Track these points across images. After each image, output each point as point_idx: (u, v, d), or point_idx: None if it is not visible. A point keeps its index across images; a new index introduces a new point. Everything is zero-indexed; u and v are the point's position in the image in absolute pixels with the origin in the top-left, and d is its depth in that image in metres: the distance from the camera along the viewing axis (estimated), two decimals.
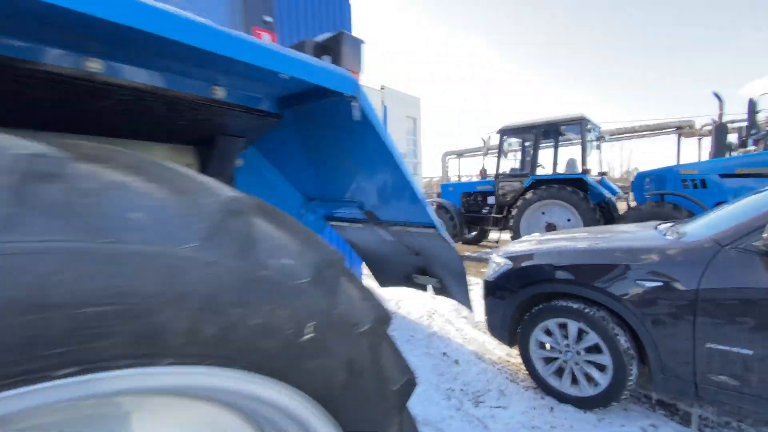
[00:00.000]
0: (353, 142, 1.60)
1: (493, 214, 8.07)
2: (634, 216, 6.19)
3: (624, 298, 2.11)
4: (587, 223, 6.53)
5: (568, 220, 6.86)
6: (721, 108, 6.52)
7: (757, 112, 5.35)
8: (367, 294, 0.78)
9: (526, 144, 8.65)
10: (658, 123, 27.16)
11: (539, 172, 7.66)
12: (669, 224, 2.91)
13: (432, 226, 1.92)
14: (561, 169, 8.16)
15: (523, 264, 2.70)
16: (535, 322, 2.57)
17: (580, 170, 6.99)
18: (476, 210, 8.78)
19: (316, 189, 2.27)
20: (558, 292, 2.48)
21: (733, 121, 14.53)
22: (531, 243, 3.02)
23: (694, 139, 27.26)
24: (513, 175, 7.98)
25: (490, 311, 2.89)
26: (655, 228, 2.81)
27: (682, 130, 26.53)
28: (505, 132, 7.87)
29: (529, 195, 7.17)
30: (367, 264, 3.06)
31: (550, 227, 7.01)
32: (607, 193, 6.69)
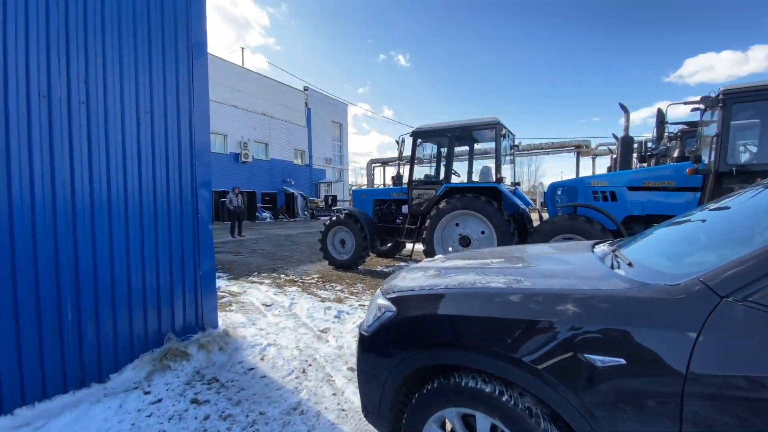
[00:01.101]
0: None
1: (406, 225, 7.28)
2: (547, 229, 5.82)
3: (562, 383, 1.25)
4: (501, 235, 6.02)
5: (482, 232, 6.31)
6: (627, 119, 6.53)
7: (667, 123, 5.21)
8: None
9: (441, 149, 8.08)
10: (561, 141, 29.74)
11: (454, 180, 7.06)
12: (606, 245, 2.19)
13: None
14: (476, 177, 7.72)
15: (412, 312, 1.74)
16: (427, 408, 1.59)
17: (494, 179, 6.50)
18: (390, 219, 7.97)
19: None
20: (462, 365, 1.56)
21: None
22: (427, 274, 2.09)
23: (595, 157, 30.26)
24: (427, 182, 7.31)
25: (364, 382, 1.88)
26: (592, 250, 2.07)
27: (580, 149, 29.38)
28: (419, 134, 7.18)
29: (442, 204, 6.51)
30: None
31: (464, 240, 6.40)
32: (521, 204, 6.27)
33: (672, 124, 6.93)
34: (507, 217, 6.08)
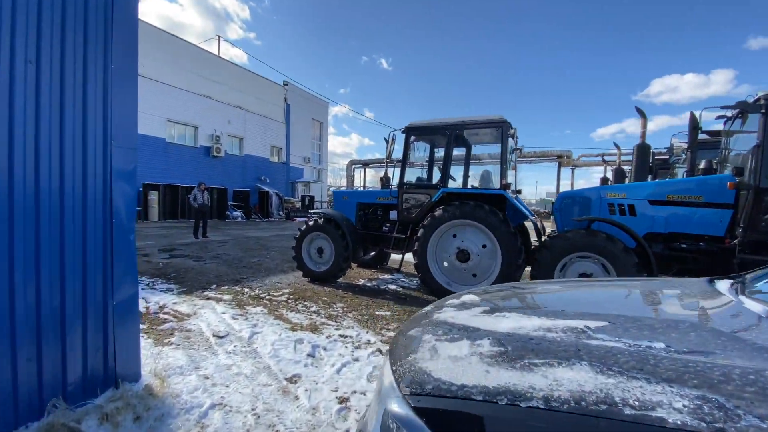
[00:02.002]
0: None
1: (395, 233, 6.34)
2: (560, 246, 5.03)
3: None
4: (507, 251, 5.19)
5: (484, 246, 5.45)
6: (644, 125, 5.86)
7: (700, 129, 4.52)
8: None
9: (435, 149, 7.20)
10: (543, 151, 29.73)
11: (451, 185, 6.19)
12: (734, 283, 1.34)
13: None
14: (474, 183, 6.88)
15: None
16: None
17: (498, 185, 5.66)
18: (375, 226, 7.01)
19: None
20: None
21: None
22: (482, 348, 1.16)
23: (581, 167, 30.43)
24: (420, 185, 6.39)
25: None
26: (730, 297, 1.21)
27: (561, 159, 29.46)
28: (413, 131, 6.27)
29: (438, 212, 5.61)
30: None
31: (463, 255, 5.52)
32: (530, 216, 5.45)
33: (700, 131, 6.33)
34: (514, 230, 5.25)
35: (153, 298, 5.09)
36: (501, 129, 5.60)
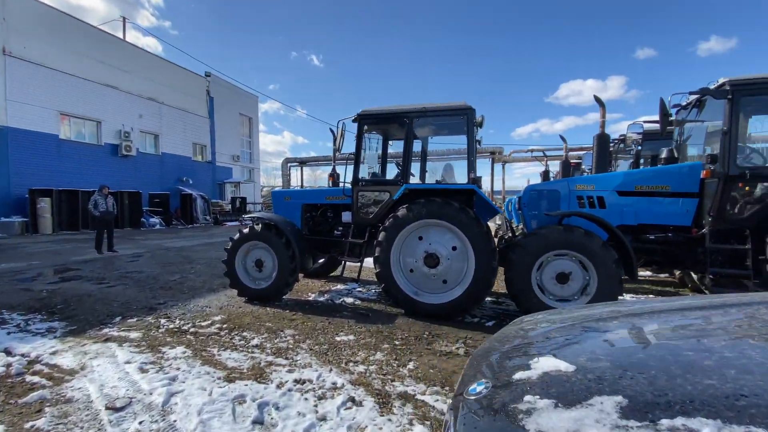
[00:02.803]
0: None
1: (349, 238, 5.46)
2: (536, 244, 4.56)
3: None
4: (479, 253, 4.60)
5: (454, 248, 4.81)
6: (603, 115, 5.67)
7: (669, 115, 4.29)
8: None
9: (389, 140, 6.45)
10: (478, 147, 30.70)
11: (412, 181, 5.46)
12: None
13: None
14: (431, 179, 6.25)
15: None
16: None
17: (466, 179, 5.07)
18: (326, 230, 6.07)
19: None
20: None
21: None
22: None
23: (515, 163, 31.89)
24: (379, 182, 5.58)
25: None
26: None
27: (494, 155, 30.73)
28: (367, 119, 5.42)
29: (401, 212, 4.85)
30: None
31: (432, 260, 4.83)
32: (502, 213, 4.91)
33: (647, 122, 6.36)
34: (486, 230, 4.67)
35: (21, 348, 3.65)
36: (466, 117, 4.98)
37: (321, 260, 6.98)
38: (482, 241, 4.59)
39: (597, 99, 5.72)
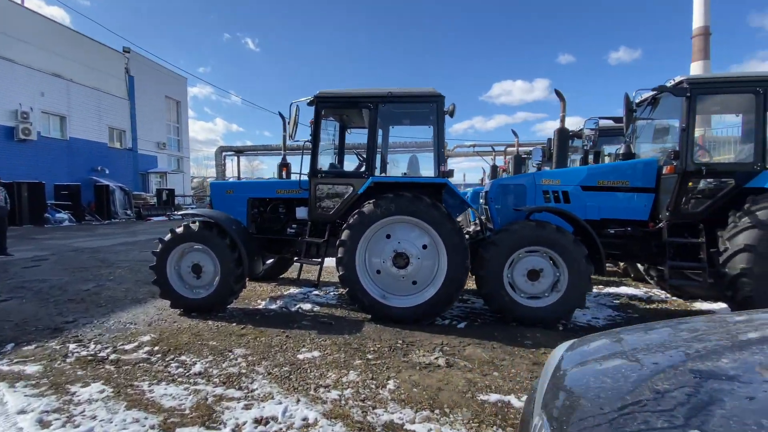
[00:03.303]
0: None
1: (306, 237, 4.86)
2: (509, 240, 4.36)
3: None
4: (453, 251, 4.29)
5: (424, 246, 4.45)
6: (563, 109, 5.65)
7: (634, 111, 4.29)
8: None
9: (348, 128, 5.90)
10: (422, 141, 31.04)
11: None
12: None
13: None
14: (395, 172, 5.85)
15: None
16: None
17: (432, 172, 4.71)
18: (276, 228, 5.38)
19: None
20: None
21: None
22: None
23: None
24: (341, 174, 5.02)
25: None
26: None
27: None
28: (325, 102, 4.83)
29: (368, 207, 4.37)
30: None
31: (401, 259, 4.42)
32: (475, 210, 4.64)
33: (602, 118, 6.49)
34: (459, 227, 4.37)
35: None
36: (436, 104, 4.61)
37: (270, 260, 6.26)
38: (455, 239, 4.27)
39: (558, 93, 5.70)
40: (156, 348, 3.58)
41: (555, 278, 4.42)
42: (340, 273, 4.41)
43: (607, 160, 7.03)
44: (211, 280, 4.68)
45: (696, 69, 30.80)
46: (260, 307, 5.01)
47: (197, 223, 4.67)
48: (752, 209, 4.06)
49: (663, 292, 6.04)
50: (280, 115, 6.33)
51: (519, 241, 4.36)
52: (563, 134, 5.71)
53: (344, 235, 4.40)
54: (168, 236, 4.68)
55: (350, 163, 6.10)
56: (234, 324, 4.28)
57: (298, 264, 5.20)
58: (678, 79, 4.50)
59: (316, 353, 3.50)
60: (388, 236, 4.49)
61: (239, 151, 26.81)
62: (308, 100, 4.84)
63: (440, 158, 4.60)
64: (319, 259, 4.76)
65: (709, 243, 4.34)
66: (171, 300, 4.67)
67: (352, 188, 4.70)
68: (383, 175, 5.10)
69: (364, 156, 5.22)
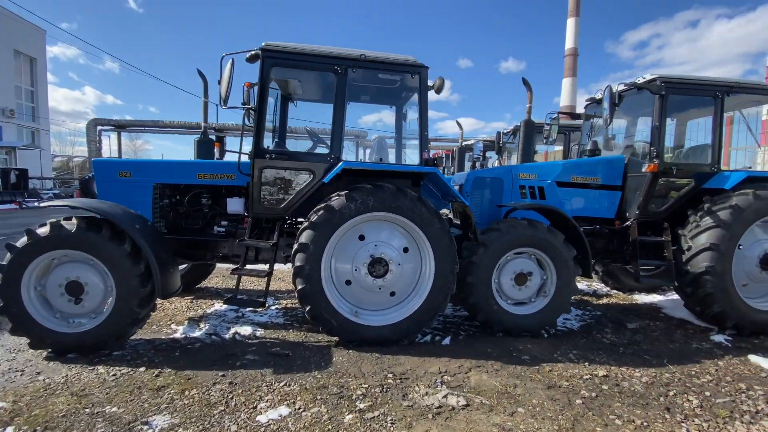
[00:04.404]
0: None
1: (246, 239, 3.65)
2: (501, 241, 3.80)
3: None
4: (442, 257, 3.54)
5: (405, 250, 3.64)
6: (530, 99, 5.32)
7: (617, 105, 4.08)
8: None
9: (294, 97, 4.72)
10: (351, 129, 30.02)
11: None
12: None
13: None
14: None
15: None
16: None
17: (397, 158, 3.91)
18: (197, 227, 4.01)
19: None
20: None
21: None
22: None
23: None
24: (297, 156, 3.85)
25: None
26: None
27: (359, 138, 30.61)
28: (276, 58, 3.62)
29: (338, 201, 3.37)
30: None
31: (379, 266, 3.53)
32: (467, 204, 3.92)
33: (562, 113, 6.36)
34: (439, 226, 3.62)
35: None
36: (419, 76, 3.78)
37: (184, 265, 4.79)
38: (445, 240, 3.54)
39: (525, 82, 5.35)
40: (10, 429, 2.12)
41: (542, 282, 4.02)
42: (300, 287, 3.34)
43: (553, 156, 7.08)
44: (100, 305, 3.19)
45: (566, 85, 35.54)
46: (178, 335, 3.63)
47: (75, 221, 3.11)
48: (713, 209, 4.17)
49: (603, 285, 6.27)
50: (200, 74, 4.76)
51: (511, 242, 3.83)
52: (529, 126, 5.40)
53: (305, 236, 3.33)
54: (24, 240, 3.03)
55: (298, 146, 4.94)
56: (142, 368, 2.92)
57: (210, 265, 3.88)
58: (649, 76, 4.45)
59: (283, 410, 2.45)
60: (362, 237, 3.56)
61: (120, 126, 22.33)
62: (250, 54, 3.59)
63: (424, 143, 3.80)
64: (267, 269, 3.59)
65: (673, 241, 4.39)
66: (31, 337, 3.06)
67: (311, 175, 3.62)
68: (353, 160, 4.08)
69: (318, 136, 4.18)
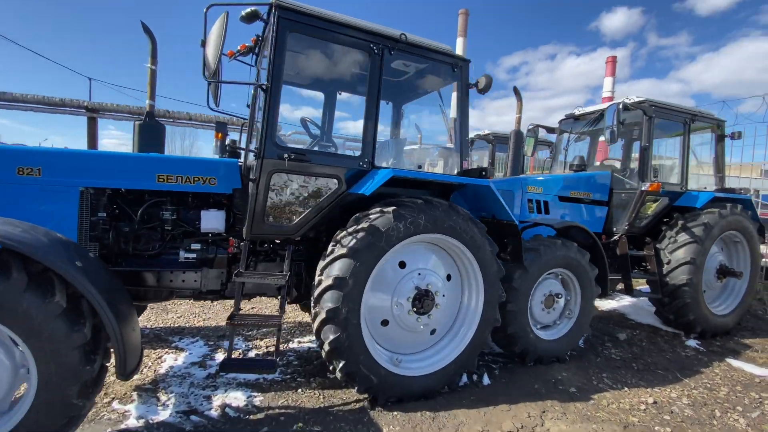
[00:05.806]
0: None
1: (242, 270, 2.60)
2: (539, 263, 3.44)
3: None
4: (493, 285, 3.02)
5: (448, 277, 3.02)
6: (519, 109, 5.16)
7: (622, 123, 4.12)
8: None
9: (326, 88, 3.70)
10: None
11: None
12: None
13: None
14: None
15: None
16: None
17: (457, 168, 3.31)
18: (152, 250, 2.77)
19: None
20: None
21: None
22: None
23: None
24: (317, 157, 2.85)
25: None
26: None
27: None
28: (299, 22, 2.63)
29: (383, 220, 2.58)
30: None
31: (424, 299, 2.83)
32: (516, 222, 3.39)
33: (540, 127, 6.33)
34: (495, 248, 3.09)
35: None
36: (460, 70, 3.18)
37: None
38: (494, 266, 3.02)
39: (515, 91, 5.18)
40: None
41: (565, 303, 3.80)
42: (334, 337, 2.45)
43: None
44: (3, 398, 1.84)
45: (459, 43, 36.30)
46: (131, 423, 2.36)
47: None
48: (688, 226, 4.52)
49: None
50: (146, 30, 3.25)
51: (549, 263, 3.51)
52: (519, 136, 5.24)
53: (341, 268, 2.46)
54: None
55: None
56: None
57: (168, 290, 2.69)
58: (636, 98, 4.64)
59: None
60: (402, 264, 2.81)
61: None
62: (250, 9, 2.55)
63: (464, 149, 3.22)
64: (277, 314, 2.57)
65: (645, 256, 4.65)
66: None
67: (337, 183, 2.73)
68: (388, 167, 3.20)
69: (317, 125, 3.32)
